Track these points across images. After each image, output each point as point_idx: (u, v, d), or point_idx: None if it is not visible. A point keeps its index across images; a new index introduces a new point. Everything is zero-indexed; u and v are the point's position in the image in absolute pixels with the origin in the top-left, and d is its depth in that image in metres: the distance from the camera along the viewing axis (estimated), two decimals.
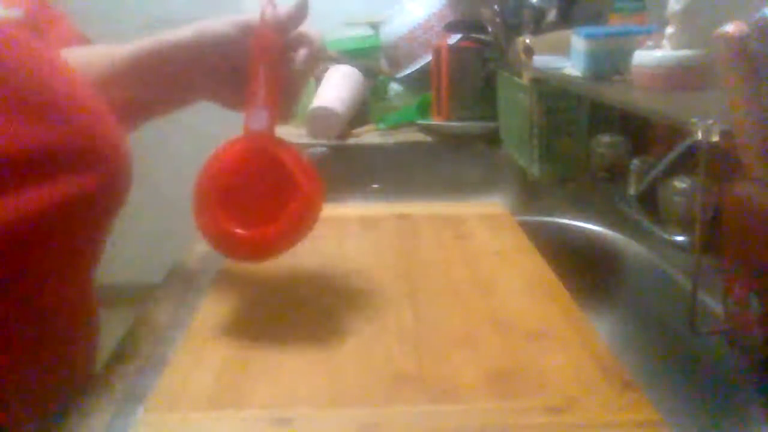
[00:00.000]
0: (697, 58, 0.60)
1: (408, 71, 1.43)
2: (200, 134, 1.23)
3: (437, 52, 1.26)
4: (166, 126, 0.72)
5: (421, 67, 1.39)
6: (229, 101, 0.54)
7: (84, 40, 0.64)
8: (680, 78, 0.62)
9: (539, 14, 1.02)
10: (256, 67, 0.50)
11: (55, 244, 0.34)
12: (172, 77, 0.51)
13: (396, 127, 1.34)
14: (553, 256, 0.67)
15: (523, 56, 0.91)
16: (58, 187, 0.33)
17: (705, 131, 0.48)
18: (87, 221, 0.35)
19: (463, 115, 1.24)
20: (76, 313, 0.37)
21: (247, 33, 0.51)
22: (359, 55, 1.51)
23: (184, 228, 0.71)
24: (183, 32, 0.51)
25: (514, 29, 1.07)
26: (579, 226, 0.81)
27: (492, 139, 1.19)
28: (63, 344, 0.38)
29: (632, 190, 0.82)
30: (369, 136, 1.31)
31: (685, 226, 0.71)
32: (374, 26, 1.66)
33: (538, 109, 0.95)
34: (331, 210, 0.86)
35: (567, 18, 0.99)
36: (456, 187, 1.16)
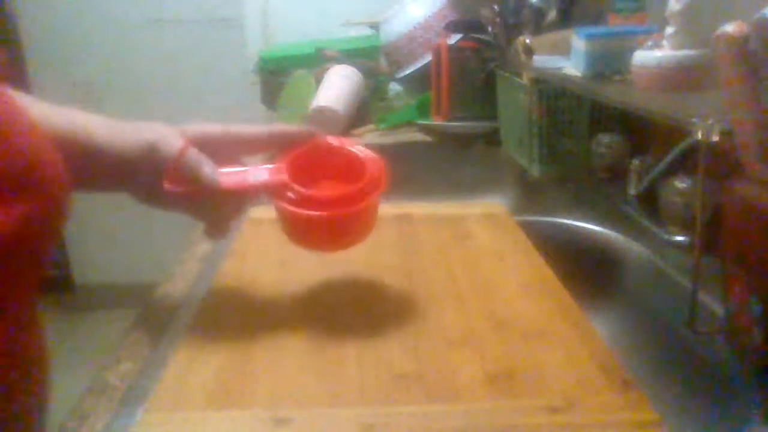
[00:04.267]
0: (697, 58, 0.60)
1: (408, 71, 1.43)
2: None
3: (437, 52, 1.26)
4: None
5: (421, 67, 1.39)
6: (143, 198, 0.58)
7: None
8: (680, 78, 0.62)
9: (539, 14, 1.02)
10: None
11: None
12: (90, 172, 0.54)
13: (396, 127, 1.34)
14: (553, 256, 0.67)
15: (523, 56, 0.91)
16: None
17: (705, 131, 0.48)
18: (25, 246, 0.35)
19: (463, 115, 1.24)
20: (18, 340, 0.36)
21: (149, 151, 0.53)
22: (359, 55, 1.51)
23: (184, 228, 0.71)
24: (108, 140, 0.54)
25: (514, 29, 1.07)
26: (579, 226, 0.81)
27: (492, 139, 1.19)
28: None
29: (632, 190, 0.82)
30: (369, 136, 1.31)
31: (685, 226, 0.71)
32: (374, 26, 1.66)
33: (538, 109, 0.95)
34: None
35: (567, 18, 0.99)
36: (456, 187, 1.16)
